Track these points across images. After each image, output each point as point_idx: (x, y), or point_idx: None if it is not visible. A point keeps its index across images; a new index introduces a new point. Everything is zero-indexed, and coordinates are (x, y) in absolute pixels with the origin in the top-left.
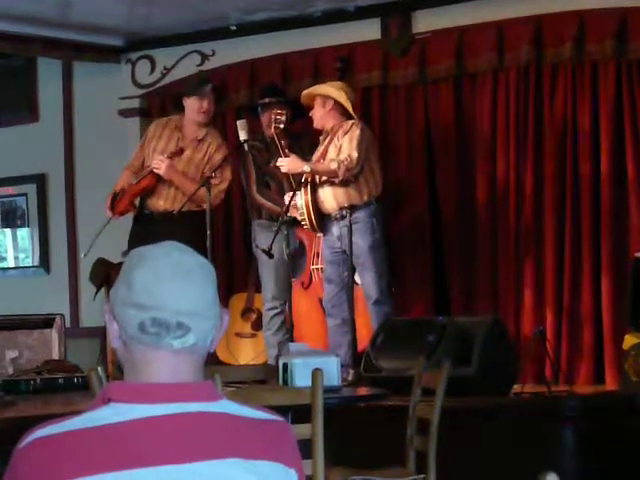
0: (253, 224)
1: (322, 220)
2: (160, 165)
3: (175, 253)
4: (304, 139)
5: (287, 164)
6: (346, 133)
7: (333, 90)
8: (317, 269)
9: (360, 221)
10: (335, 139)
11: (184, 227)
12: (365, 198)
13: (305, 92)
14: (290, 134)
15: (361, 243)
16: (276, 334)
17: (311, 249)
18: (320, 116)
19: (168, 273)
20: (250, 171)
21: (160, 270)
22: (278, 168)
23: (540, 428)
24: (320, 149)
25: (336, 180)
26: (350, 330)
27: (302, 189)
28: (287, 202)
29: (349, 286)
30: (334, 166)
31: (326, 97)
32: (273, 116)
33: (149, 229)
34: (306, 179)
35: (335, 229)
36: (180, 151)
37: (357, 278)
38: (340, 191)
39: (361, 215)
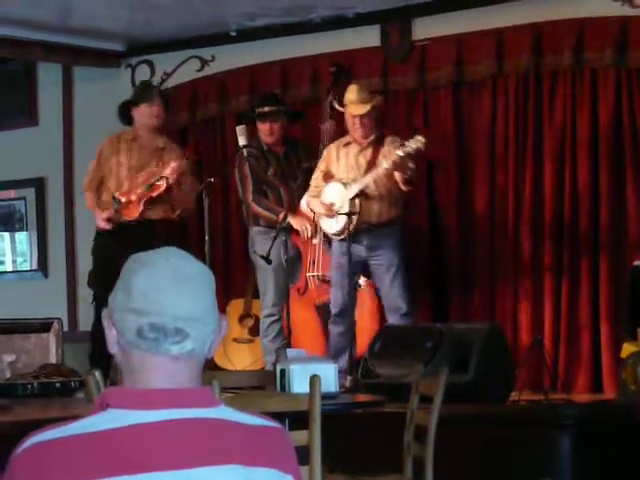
0: (251, 231)
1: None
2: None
3: (174, 259)
4: (300, 145)
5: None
6: (398, 147)
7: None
8: (313, 276)
9: (394, 234)
10: (384, 151)
11: (160, 234)
12: (399, 212)
13: (362, 99)
14: (286, 140)
15: (393, 256)
16: (274, 341)
17: (307, 256)
18: (371, 127)
19: (167, 279)
20: (247, 179)
21: (159, 276)
22: (276, 176)
23: (537, 436)
24: (361, 161)
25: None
26: (352, 337)
27: (355, 199)
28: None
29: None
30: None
31: (379, 106)
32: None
33: (124, 238)
34: (362, 190)
35: (366, 238)
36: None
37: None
38: (385, 204)
39: (395, 228)
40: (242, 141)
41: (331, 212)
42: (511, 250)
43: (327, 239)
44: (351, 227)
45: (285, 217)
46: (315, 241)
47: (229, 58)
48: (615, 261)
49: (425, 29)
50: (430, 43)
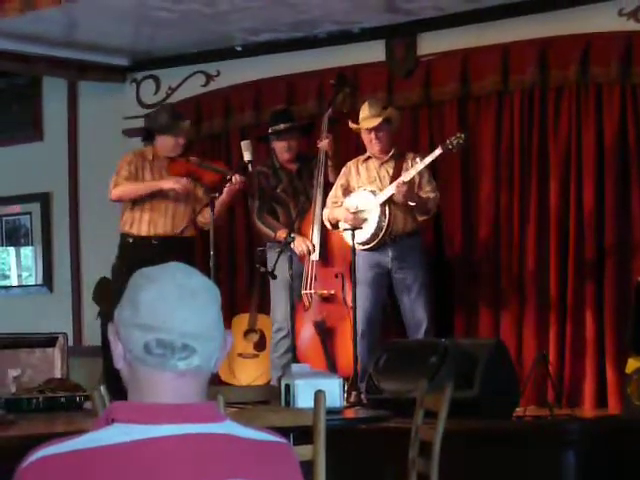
0: (267, 246)
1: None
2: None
3: (180, 274)
4: (313, 161)
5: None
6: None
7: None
8: (306, 294)
9: (418, 246)
10: (407, 167)
11: (181, 252)
12: (420, 224)
13: (374, 113)
14: (299, 156)
15: (419, 270)
16: (282, 357)
17: (307, 273)
18: (388, 141)
19: (173, 294)
20: (254, 196)
21: (165, 291)
22: (286, 193)
23: (542, 451)
24: (383, 173)
25: (424, 217)
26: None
27: (386, 205)
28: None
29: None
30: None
31: (393, 119)
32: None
33: (146, 254)
34: (390, 197)
35: (392, 250)
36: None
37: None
38: (409, 213)
39: (419, 239)
40: (247, 156)
41: (359, 220)
42: (516, 265)
43: (322, 256)
44: (382, 233)
45: (290, 232)
46: (313, 257)
47: (234, 73)
48: (620, 276)
49: (430, 44)
50: (435, 58)
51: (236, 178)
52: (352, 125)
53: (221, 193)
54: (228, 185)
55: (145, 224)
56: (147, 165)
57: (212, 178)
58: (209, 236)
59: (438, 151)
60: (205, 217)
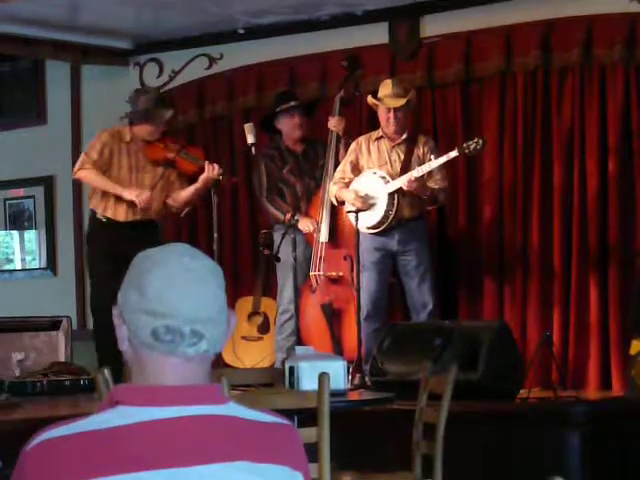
0: (274, 228)
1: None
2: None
3: (186, 258)
4: (318, 144)
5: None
6: (431, 152)
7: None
8: (314, 275)
9: (423, 229)
10: (419, 154)
11: (148, 235)
12: (425, 207)
13: (398, 93)
14: (304, 139)
15: (423, 253)
16: (287, 339)
17: (315, 254)
18: (405, 123)
19: (181, 279)
20: (262, 179)
21: (172, 276)
22: (292, 174)
23: (546, 433)
24: (394, 157)
25: (432, 207)
26: None
27: (394, 195)
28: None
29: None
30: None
31: (412, 103)
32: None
33: (118, 236)
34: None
35: (397, 233)
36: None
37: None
38: (416, 198)
39: (423, 223)
40: (250, 139)
41: (366, 204)
42: (520, 247)
43: (331, 237)
44: (388, 221)
45: (294, 214)
46: (322, 239)
47: (237, 56)
48: (624, 258)
49: (433, 26)
50: (439, 40)
51: (213, 168)
52: (371, 100)
53: (196, 181)
54: (205, 175)
55: (122, 210)
56: (124, 148)
57: (189, 167)
58: (212, 218)
59: (454, 153)
60: (175, 200)
